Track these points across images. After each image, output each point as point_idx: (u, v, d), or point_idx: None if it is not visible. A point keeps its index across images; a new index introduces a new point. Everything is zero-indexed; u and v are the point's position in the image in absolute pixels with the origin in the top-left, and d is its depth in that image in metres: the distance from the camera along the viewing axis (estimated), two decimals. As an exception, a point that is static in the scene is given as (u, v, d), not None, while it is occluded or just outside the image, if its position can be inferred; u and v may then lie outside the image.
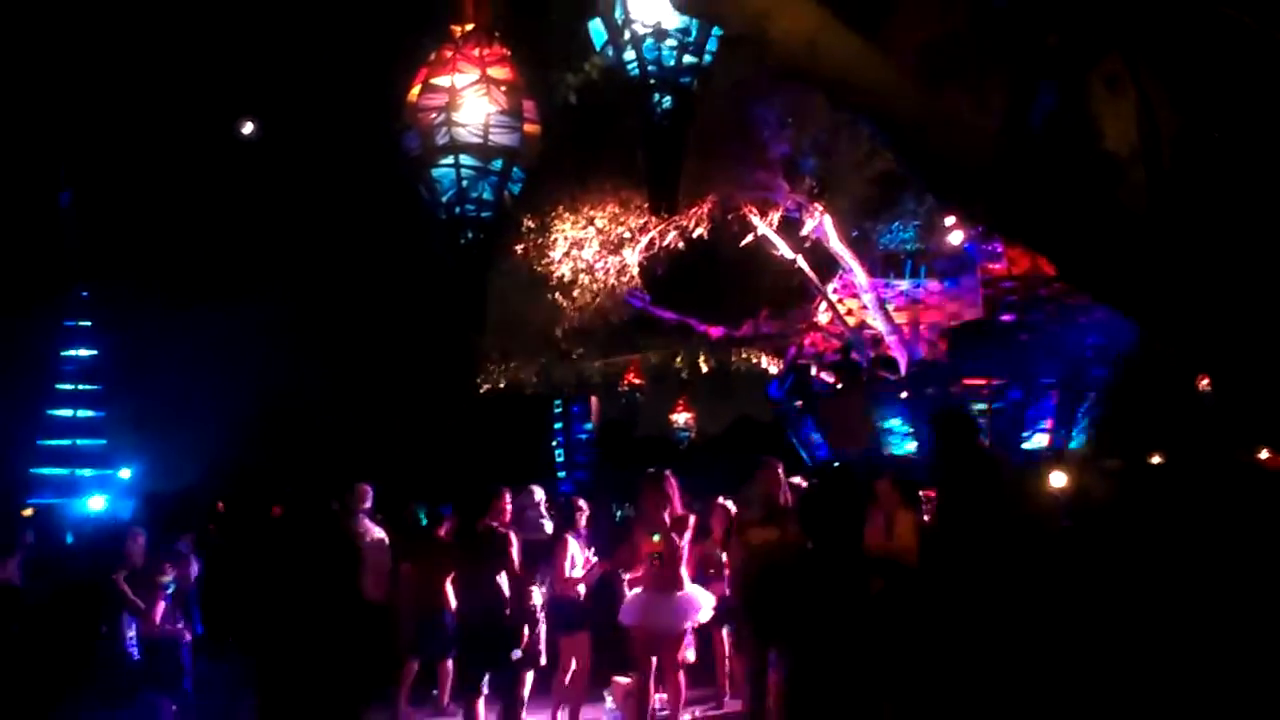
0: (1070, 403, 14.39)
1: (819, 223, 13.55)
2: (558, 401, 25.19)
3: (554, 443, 26.51)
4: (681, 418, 23.72)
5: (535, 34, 4.36)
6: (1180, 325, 2.83)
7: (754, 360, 18.22)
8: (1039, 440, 14.48)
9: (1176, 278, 2.71)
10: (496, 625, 6.60)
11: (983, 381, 14.18)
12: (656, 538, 7.12)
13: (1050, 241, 2.86)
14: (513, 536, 6.94)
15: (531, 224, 13.15)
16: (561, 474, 24.67)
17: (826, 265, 14.89)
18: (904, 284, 15.91)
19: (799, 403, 16.36)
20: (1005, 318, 14.52)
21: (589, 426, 25.67)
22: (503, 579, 6.72)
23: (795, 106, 11.69)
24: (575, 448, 25.78)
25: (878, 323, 14.81)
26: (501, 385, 18.18)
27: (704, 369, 18.13)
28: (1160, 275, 2.72)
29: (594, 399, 24.54)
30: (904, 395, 14.41)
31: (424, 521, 9.40)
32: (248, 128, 10.97)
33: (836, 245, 13.98)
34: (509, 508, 7.35)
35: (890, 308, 15.06)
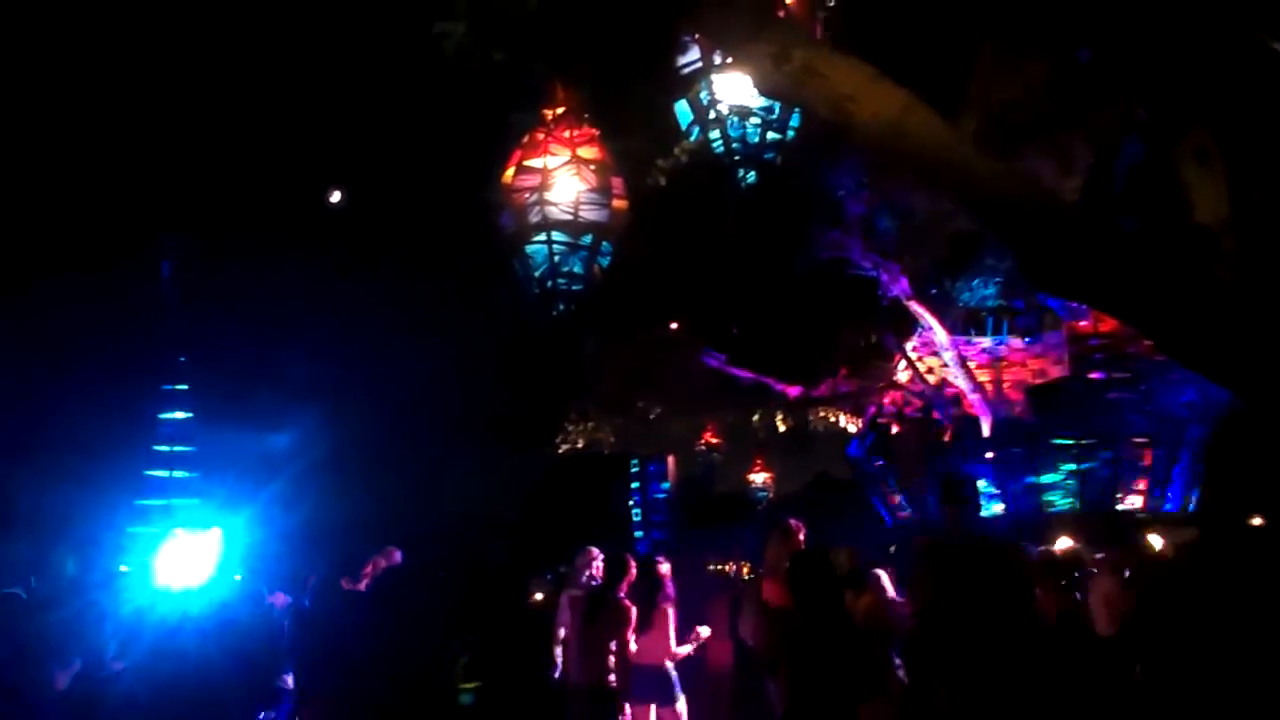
0: (1165, 462, 13.92)
1: (896, 281, 13.47)
2: (635, 461, 25.28)
3: (631, 502, 26.50)
4: (759, 477, 23.62)
5: (624, 114, 4.52)
6: (1273, 392, 2.79)
7: (832, 419, 18.06)
8: (1133, 501, 14.01)
9: (1270, 346, 2.69)
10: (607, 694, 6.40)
11: (1071, 441, 13.82)
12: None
13: (1139, 311, 2.86)
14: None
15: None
16: (639, 533, 24.62)
17: (905, 323, 14.76)
18: (986, 341, 15.65)
19: (879, 461, 16.14)
20: (1093, 375, 14.17)
21: (666, 486, 25.65)
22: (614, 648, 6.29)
23: (870, 166, 11.71)
24: (652, 507, 25.74)
25: (959, 381, 14.59)
26: (580, 445, 18.33)
27: (781, 428, 18.02)
28: (1254, 343, 2.70)
29: (671, 458, 24.59)
30: (989, 456, 14.12)
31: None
32: (335, 196, 11.38)
33: (914, 303, 13.86)
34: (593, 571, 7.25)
35: (972, 365, 14.83)
